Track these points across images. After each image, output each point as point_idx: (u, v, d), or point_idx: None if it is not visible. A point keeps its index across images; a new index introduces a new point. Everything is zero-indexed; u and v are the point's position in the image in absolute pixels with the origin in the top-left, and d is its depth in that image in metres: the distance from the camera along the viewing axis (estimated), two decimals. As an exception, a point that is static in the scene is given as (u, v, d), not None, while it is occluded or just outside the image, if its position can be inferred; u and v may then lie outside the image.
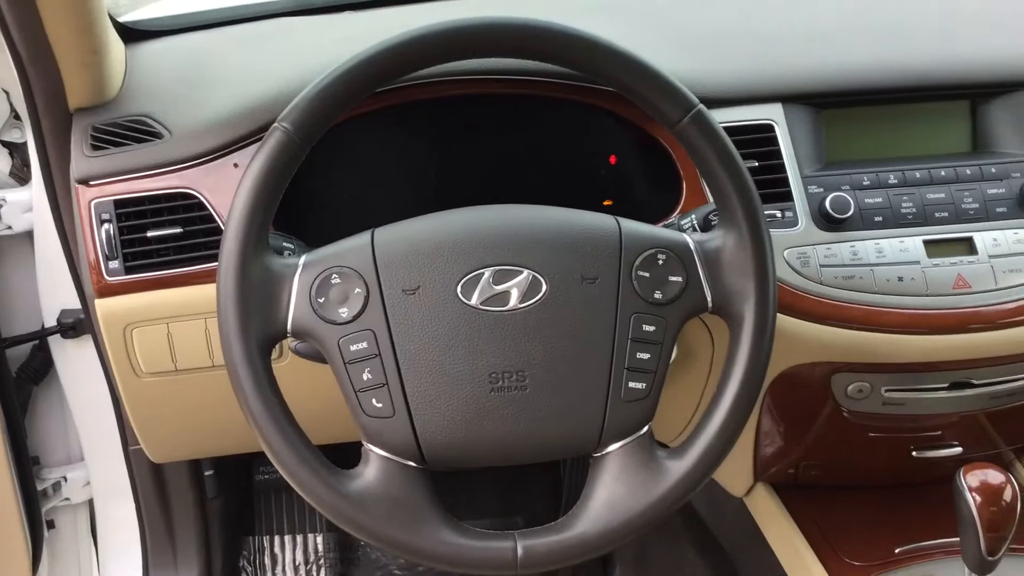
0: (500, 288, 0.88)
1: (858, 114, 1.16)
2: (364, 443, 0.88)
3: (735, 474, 1.31)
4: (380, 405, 0.86)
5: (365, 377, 0.86)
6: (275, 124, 0.87)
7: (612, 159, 1.17)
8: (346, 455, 0.94)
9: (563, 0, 1.38)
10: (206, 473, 1.61)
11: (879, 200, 1.10)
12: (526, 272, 0.88)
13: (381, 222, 0.93)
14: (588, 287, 0.89)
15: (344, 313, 0.87)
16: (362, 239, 0.90)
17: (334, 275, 0.87)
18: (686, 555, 1.52)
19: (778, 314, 1.04)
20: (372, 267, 0.88)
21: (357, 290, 0.87)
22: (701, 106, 0.90)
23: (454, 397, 0.86)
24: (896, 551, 1.18)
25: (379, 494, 0.86)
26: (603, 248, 0.90)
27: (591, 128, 1.16)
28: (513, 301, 0.88)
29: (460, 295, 0.87)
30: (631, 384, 0.89)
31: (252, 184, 0.86)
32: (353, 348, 0.86)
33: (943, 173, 1.11)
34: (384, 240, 0.89)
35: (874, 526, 1.22)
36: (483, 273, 0.88)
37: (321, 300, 0.87)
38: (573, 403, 0.88)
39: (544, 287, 0.88)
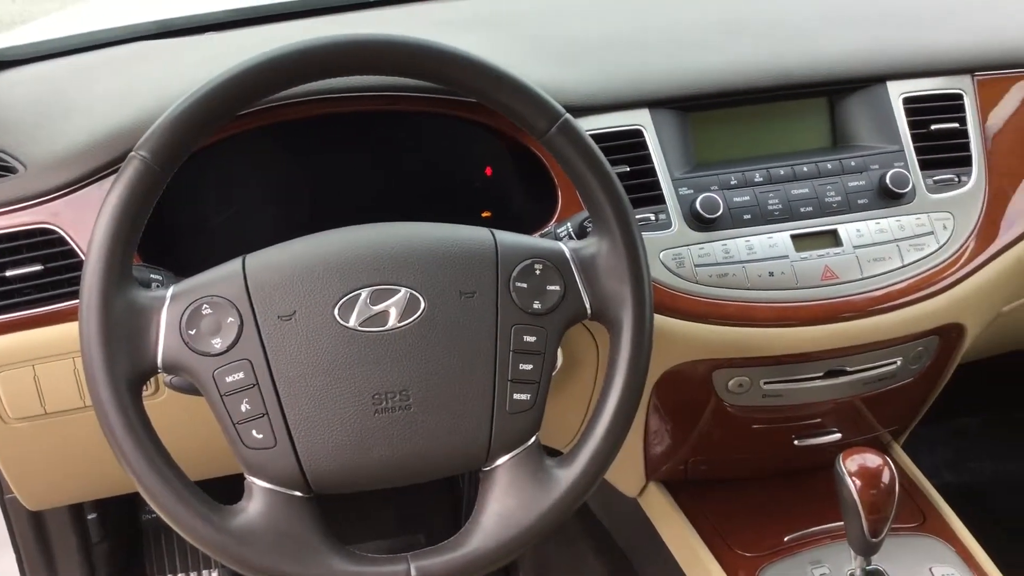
0: (378, 308, 0.87)
1: (723, 115, 1.18)
2: (247, 476, 0.86)
3: (627, 475, 1.32)
4: (261, 436, 0.84)
5: (243, 408, 0.84)
6: (132, 153, 0.84)
7: (488, 171, 1.17)
8: (237, 488, 0.91)
9: (426, 13, 1.38)
10: (89, 517, 1.55)
11: (747, 198, 1.12)
12: (404, 290, 0.87)
13: (255, 247, 0.90)
14: (467, 301, 0.88)
15: (217, 344, 0.84)
16: (232, 266, 0.88)
17: (204, 305, 0.85)
18: (586, 559, 1.53)
19: (657, 315, 1.07)
20: (244, 294, 0.85)
21: (230, 319, 0.85)
22: (567, 115, 0.91)
23: (337, 422, 0.85)
24: (785, 539, 1.21)
25: (264, 527, 0.84)
26: (479, 261, 0.89)
27: (465, 140, 1.16)
28: (392, 320, 0.87)
29: (337, 318, 0.86)
30: (515, 396, 0.89)
31: (110, 217, 0.83)
32: (229, 379, 0.84)
33: (806, 169, 1.15)
34: (256, 266, 0.87)
35: (763, 516, 1.25)
36: (360, 294, 0.87)
37: (192, 332, 0.84)
38: (458, 419, 0.87)
39: (423, 304, 0.87)
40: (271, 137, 1.12)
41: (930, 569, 1.15)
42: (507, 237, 0.92)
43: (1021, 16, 1.32)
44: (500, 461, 0.89)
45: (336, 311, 0.86)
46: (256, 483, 0.85)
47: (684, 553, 1.25)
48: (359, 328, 0.86)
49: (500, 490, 0.89)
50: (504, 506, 0.89)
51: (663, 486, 1.31)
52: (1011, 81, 1.23)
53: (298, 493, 0.85)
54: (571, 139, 0.91)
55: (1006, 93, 1.23)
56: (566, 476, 0.90)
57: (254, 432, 0.84)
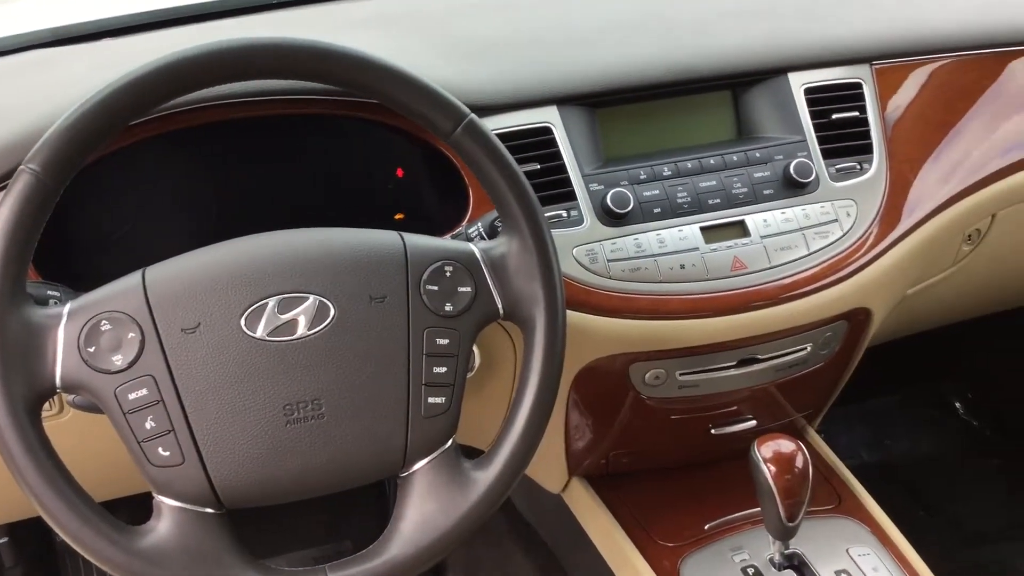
0: (286, 317, 0.85)
1: (630, 111, 1.19)
2: (154, 495, 0.84)
3: (550, 471, 1.32)
4: (167, 453, 0.82)
5: (148, 426, 0.82)
6: (21, 167, 0.81)
7: (399, 172, 1.16)
8: (149, 507, 0.89)
9: (332, 14, 1.36)
10: (0, 541, 1.49)
11: (656, 192, 1.13)
12: (312, 298, 0.86)
13: (161, 259, 0.88)
14: (377, 306, 0.87)
15: (118, 361, 0.82)
16: (132, 280, 0.85)
17: (104, 321, 0.82)
18: (513, 557, 1.53)
19: (572, 311, 1.07)
20: (145, 309, 0.83)
21: (131, 335, 0.82)
22: (472, 115, 0.90)
23: (248, 435, 0.83)
24: (706, 527, 1.23)
25: (175, 547, 0.82)
26: (389, 265, 0.88)
27: (374, 143, 1.14)
28: (301, 329, 0.85)
29: (244, 328, 0.84)
30: (431, 399, 0.88)
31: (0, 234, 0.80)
32: (132, 397, 0.81)
33: (712, 161, 1.16)
34: (156, 279, 0.85)
35: (684, 506, 1.26)
36: (267, 303, 0.85)
37: (91, 349, 0.82)
38: (373, 425, 0.86)
39: (332, 311, 0.86)
40: (174, 144, 1.09)
41: (847, 550, 1.17)
42: (416, 240, 0.92)
43: (916, 4, 1.35)
44: (417, 466, 0.89)
45: (243, 321, 0.84)
46: (165, 502, 0.83)
47: (608, 546, 1.26)
48: (267, 338, 0.84)
49: (418, 495, 0.88)
50: (423, 511, 0.88)
51: (586, 481, 1.32)
52: (908, 68, 1.26)
53: (209, 510, 0.83)
54: (477, 139, 0.90)
55: (904, 80, 1.26)
56: (484, 478, 0.89)
57: (160, 450, 0.82)
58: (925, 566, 1.18)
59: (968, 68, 1.29)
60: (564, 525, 1.34)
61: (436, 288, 0.89)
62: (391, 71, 0.88)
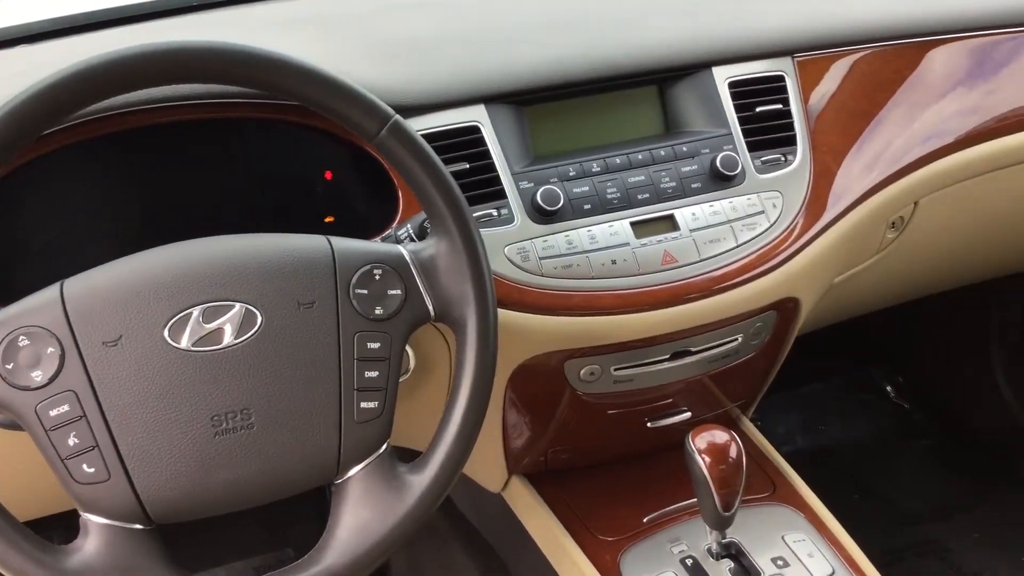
0: (211, 326, 0.84)
1: (558, 108, 1.19)
2: (81, 513, 0.82)
3: (489, 471, 1.32)
4: (92, 470, 0.80)
5: (71, 443, 0.80)
6: None
7: (328, 175, 1.14)
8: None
9: (254, 16, 1.34)
10: None
11: (586, 189, 1.14)
12: (238, 305, 0.85)
13: (80, 271, 0.86)
14: (306, 312, 0.86)
15: (38, 377, 0.80)
16: (50, 293, 0.83)
17: (21, 336, 0.80)
18: (456, 557, 1.52)
19: (506, 310, 1.07)
20: (64, 322, 0.81)
21: (50, 350, 0.80)
22: (397, 116, 0.90)
23: (175, 448, 0.82)
24: (644, 520, 1.24)
25: (103, 565, 0.80)
26: (316, 270, 0.87)
27: (302, 145, 1.13)
28: (227, 338, 0.84)
29: (168, 339, 0.82)
30: (363, 404, 0.87)
31: None
32: (53, 413, 0.80)
33: (640, 156, 1.17)
34: (75, 291, 0.83)
35: (623, 500, 1.27)
36: (191, 312, 0.83)
37: (9, 366, 0.79)
38: (305, 433, 0.85)
39: (259, 319, 0.85)
40: (94, 152, 1.06)
41: (782, 537, 1.19)
42: (344, 243, 0.91)
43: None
44: (352, 472, 0.88)
45: (166, 332, 0.82)
46: (91, 519, 0.81)
47: (549, 544, 1.26)
48: (192, 348, 0.83)
49: (353, 502, 0.88)
50: (358, 518, 0.87)
51: (525, 479, 1.32)
52: (829, 60, 1.28)
53: (138, 526, 0.82)
54: (402, 140, 0.90)
55: (826, 72, 1.28)
56: (420, 481, 0.89)
57: (84, 466, 0.80)
58: (858, 549, 1.20)
59: (888, 58, 1.31)
60: (505, 524, 1.34)
61: (365, 292, 0.89)
62: (311, 73, 0.87)
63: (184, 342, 0.83)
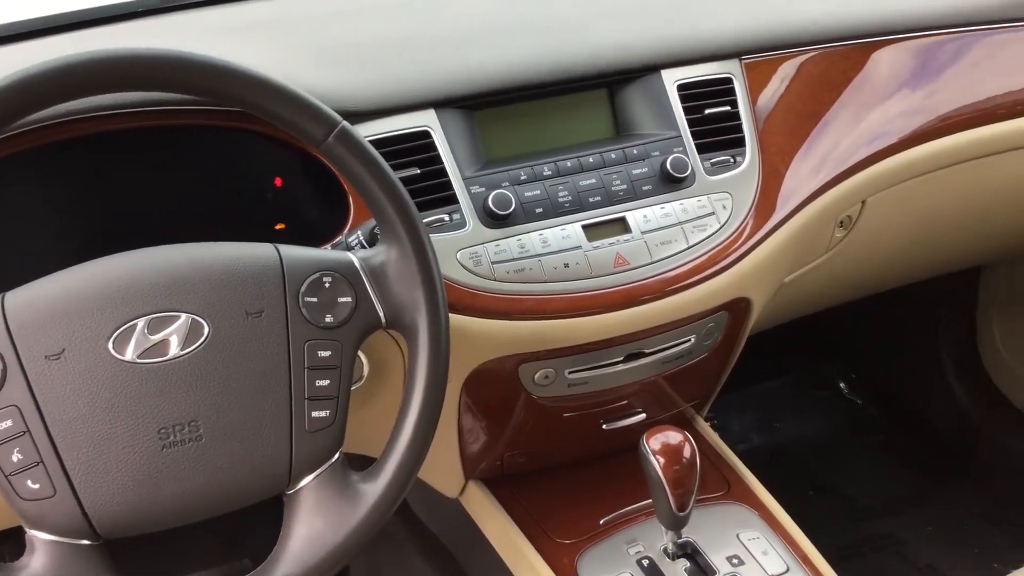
0: (157, 337, 0.82)
1: (509, 112, 1.19)
2: (27, 529, 0.80)
3: (446, 476, 1.32)
4: (37, 486, 0.79)
5: (15, 459, 0.78)
6: None
7: (278, 181, 1.13)
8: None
9: (197, 21, 1.32)
10: None
11: (537, 192, 1.14)
12: (184, 316, 0.84)
13: (23, 283, 0.84)
14: (254, 322, 0.85)
15: None
16: None
17: None
18: (414, 563, 1.52)
19: (459, 315, 1.07)
20: (5, 336, 0.80)
21: None
22: (344, 123, 0.89)
23: (122, 462, 0.80)
24: (601, 522, 1.24)
25: None
26: (264, 279, 0.87)
27: (251, 152, 1.12)
28: (174, 349, 0.83)
29: (113, 351, 0.81)
30: (314, 413, 0.87)
31: None
32: None
33: (591, 160, 1.17)
34: (16, 304, 0.81)
35: (580, 502, 1.27)
36: (136, 324, 0.82)
37: None
38: (255, 444, 0.84)
39: (206, 329, 0.84)
40: (39, 161, 1.04)
41: (737, 535, 1.20)
42: (293, 251, 0.90)
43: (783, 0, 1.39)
44: (304, 482, 0.87)
45: (111, 345, 0.81)
46: (38, 536, 0.80)
47: (506, 548, 1.26)
48: (138, 360, 0.82)
49: (306, 512, 0.87)
50: (311, 528, 0.87)
51: (482, 484, 1.31)
52: (776, 62, 1.30)
53: (85, 541, 0.81)
54: (350, 147, 0.89)
55: (772, 74, 1.29)
56: (373, 490, 0.88)
57: (29, 482, 0.79)
58: (812, 546, 1.21)
59: (833, 59, 1.33)
60: (463, 529, 1.34)
61: (315, 300, 0.88)
62: (255, 79, 0.86)
63: (129, 354, 0.81)
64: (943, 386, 2.05)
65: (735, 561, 1.16)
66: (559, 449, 1.33)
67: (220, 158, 1.12)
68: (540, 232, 1.12)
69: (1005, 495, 1.92)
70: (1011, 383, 1.97)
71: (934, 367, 2.06)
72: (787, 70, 1.30)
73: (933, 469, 2.03)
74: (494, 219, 1.11)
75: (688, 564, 1.16)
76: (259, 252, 0.88)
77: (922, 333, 2.07)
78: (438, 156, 1.12)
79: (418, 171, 1.10)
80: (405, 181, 1.05)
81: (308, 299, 0.88)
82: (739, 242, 1.18)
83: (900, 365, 2.15)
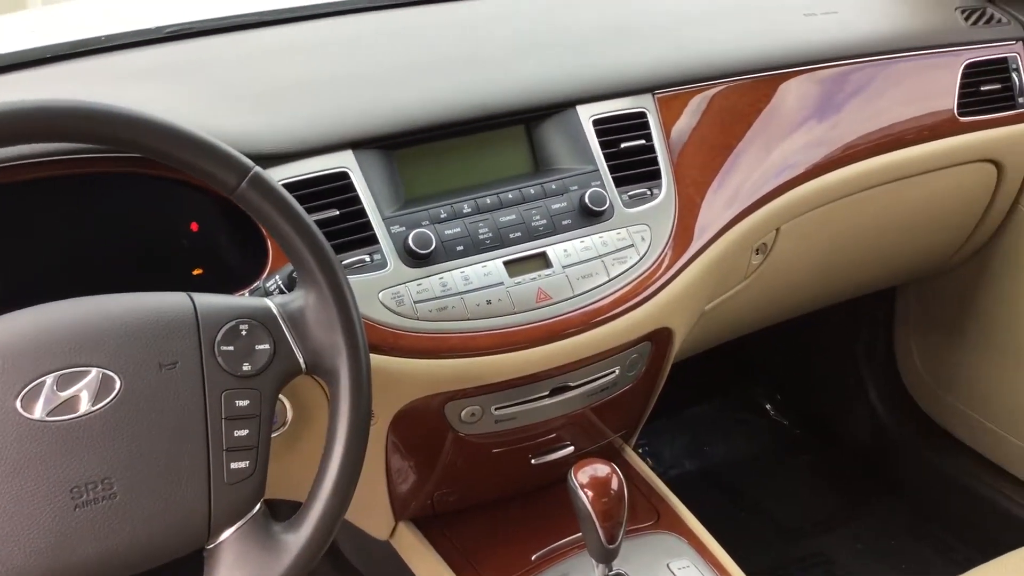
0: (66, 394, 0.80)
1: (427, 150, 1.19)
2: None
3: (375, 518, 1.30)
4: None
5: None
6: None
7: (194, 226, 1.11)
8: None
9: (109, 66, 1.30)
10: None
11: (458, 230, 1.14)
12: (95, 371, 0.81)
13: None
14: (168, 374, 0.84)
15: None
16: None
17: None
18: (346, 608, 1.50)
19: (383, 355, 1.06)
20: None
21: None
22: (256, 168, 0.88)
23: (33, 525, 0.78)
24: (532, 558, 1.24)
25: None
26: (178, 329, 0.85)
27: (165, 197, 1.10)
28: (84, 405, 0.81)
29: (20, 410, 0.79)
30: (233, 465, 0.85)
31: None
32: None
33: (511, 196, 1.17)
34: None
35: (510, 538, 1.27)
36: (44, 381, 0.80)
37: None
38: (172, 499, 0.82)
39: (118, 383, 0.82)
40: None
41: (667, 564, 1.20)
42: (208, 300, 0.88)
43: (691, 34, 1.42)
44: (224, 536, 0.85)
45: (18, 403, 0.79)
46: (-56, 607, 0.77)
47: (438, 588, 1.25)
48: (47, 419, 0.79)
49: (227, 567, 0.85)
50: (233, 582, 0.85)
51: (413, 524, 1.30)
52: (688, 96, 1.32)
53: (-3, 612, 0.77)
54: (263, 192, 0.88)
55: (685, 107, 1.31)
56: (296, 540, 0.87)
57: None
58: (739, 571, 1.22)
59: (743, 92, 1.36)
60: (394, 570, 1.32)
61: (232, 348, 0.86)
62: (161, 128, 0.84)
63: (38, 412, 0.79)
64: (865, 404, 2.10)
65: (666, 591, 1.17)
66: (489, 486, 1.33)
67: (133, 205, 1.10)
68: (462, 270, 1.12)
69: (928, 508, 1.96)
70: (929, 398, 2.02)
71: (855, 386, 2.10)
72: (699, 103, 1.33)
73: (859, 486, 2.07)
74: (415, 258, 1.10)
75: (620, 596, 1.16)
76: (172, 301, 0.87)
77: (843, 353, 2.12)
78: (357, 197, 1.11)
79: (337, 212, 1.09)
80: (324, 223, 1.05)
81: (224, 348, 0.86)
82: (659, 273, 1.20)
83: (823, 385, 2.20)
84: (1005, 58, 1.59)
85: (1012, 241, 1.71)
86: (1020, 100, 1.59)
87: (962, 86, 1.54)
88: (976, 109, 1.55)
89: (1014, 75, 1.59)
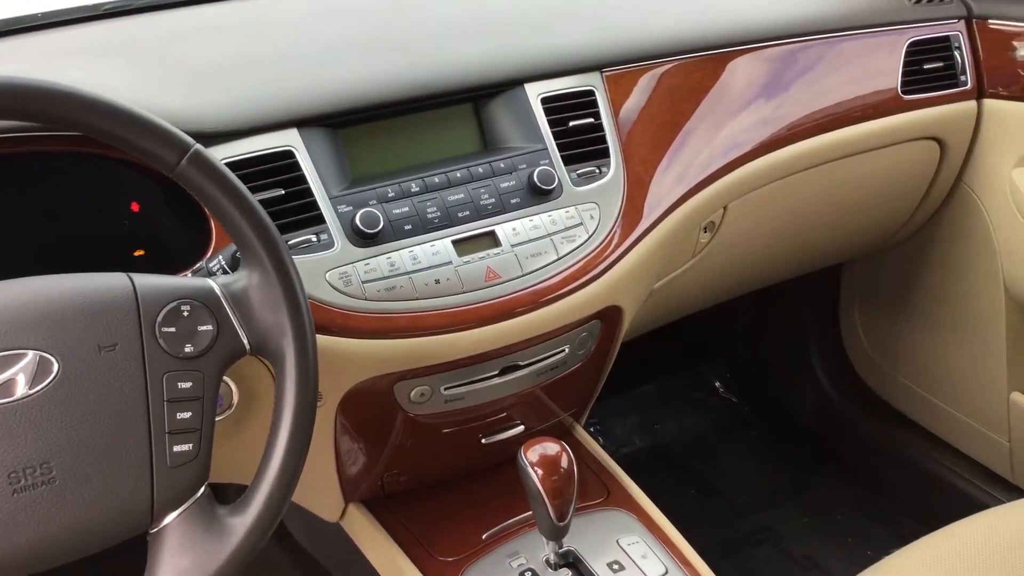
0: (2, 377, 0.78)
1: (374, 129, 1.18)
2: None
3: (325, 501, 1.29)
4: None
5: None
6: None
7: (134, 206, 1.09)
8: None
9: (42, 44, 1.27)
10: None
11: (406, 209, 1.13)
12: (32, 353, 0.79)
13: None
14: (108, 356, 0.82)
15: None
16: None
17: None
18: (297, 591, 1.49)
19: (330, 336, 1.05)
20: None
21: None
22: (197, 146, 0.86)
23: None
24: (483, 536, 1.24)
25: None
26: (117, 310, 0.83)
27: (104, 177, 1.07)
28: (21, 389, 0.79)
29: None
30: (176, 448, 0.84)
31: None
32: None
33: (459, 174, 1.17)
34: None
35: (461, 518, 1.27)
36: None
37: None
38: (113, 484, 0.81)
39: (56, 366, 0.80)
40: None
41: (617, 541, 1.21)
42: (148, 280, 0.87)
43: (640, 11, 1.42)
44: (167, 520, 0.84)
45: None
46: None
47: (388, 569, 1.24)
48: None
49: (171, 550, 0.84)
50: (177, 567, 0.83)
51: (363, 506, 1.30)
52: (637, 74, 1.32)
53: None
54: (204, 170, 0.86)
55: (633, 86, 1.31)
56: (241, 523, 0.86)
57: None
58: (689, 547, 1.23)
59: (691, 70, 1.36)
60: (344, 552, 1.32)
61: (173, 330, 0.85)
62: (96, 103, 0.82)
63: None
64: (812, 380, 2.13)
65: (616, 567, 1.18)
66: (439, 466, 1.32)
67: (72, 185, 1.07)
68: (410, 249, 1.11)
69: (874, 482, 2.00)
70: (874, 374, 2.05)
71: (803, 363, 2.13)
72: (647, 81, 1.33)
73: (807, 462, 2.10)
74: (362, 238, 1.09)
75: (570, 573, 1.16)
76: (111, 282, 0.85)
77: (790, 330, 2.15)
78: (303, 176, 1.10)
79: (282, 192, 1.08)
80: (269, 202, 1.04)
81: (165, 329, 0.85)
82: (608, 251, 1.20)
83: (772, 363, 2.23)
84: (948, 36, 1.61)
85: (954, 217, 1.74)
86: (962, 78, 1.61)
87: (906, 64, 1.55)
88: (919, 87, 1.57)
89: (956, 53, 1.61)
